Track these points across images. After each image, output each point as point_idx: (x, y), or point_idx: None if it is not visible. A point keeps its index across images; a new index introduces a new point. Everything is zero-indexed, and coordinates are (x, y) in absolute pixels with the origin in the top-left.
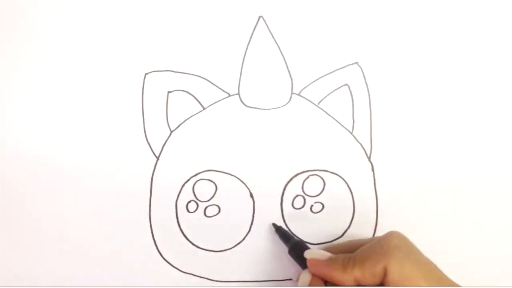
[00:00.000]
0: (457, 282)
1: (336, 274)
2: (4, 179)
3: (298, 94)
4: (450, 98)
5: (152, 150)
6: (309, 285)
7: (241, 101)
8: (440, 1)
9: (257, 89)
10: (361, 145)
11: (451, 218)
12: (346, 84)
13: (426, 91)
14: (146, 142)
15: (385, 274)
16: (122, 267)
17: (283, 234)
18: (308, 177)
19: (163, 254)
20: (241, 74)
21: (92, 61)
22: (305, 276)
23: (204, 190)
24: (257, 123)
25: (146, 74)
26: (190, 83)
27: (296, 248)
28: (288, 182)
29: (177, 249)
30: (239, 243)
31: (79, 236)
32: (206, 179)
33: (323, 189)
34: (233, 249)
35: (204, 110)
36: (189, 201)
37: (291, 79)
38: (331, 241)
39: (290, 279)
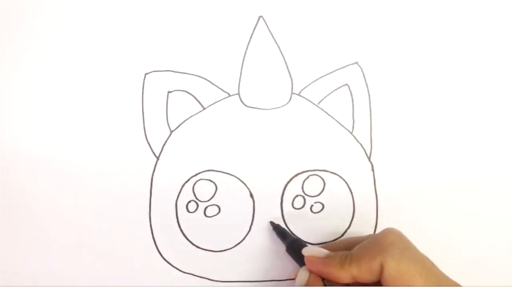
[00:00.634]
0: (457, 282)
1: (333, 271)
2: (4, 179)
3: (298, 94)
4: (450, 98)
5: (152, 150)
6: (307, 282)
7: (241, 101)
8: (440, 1)
9: (257, 89)
10: (361, 145)
11: (451, 218)
12: (346, 84)
13: (426, 91)
14: (146, 142)
15: (381, 270)
16: (122, 267)
17: (280, 232)
18: (308, 177)
19: (163, 254)
20: (241, 74)
21: (92, 61)
22: (303, 273)
23: (204, 190)
24: (257, 123)
25: (146, 74)
26: (190, 83)
27: (293, 245)
28: (288, 182)
29: (177, 249)
30: (239, 243)
31: (79, 236)
32: (206, 179)
33: (323, 189)
34: (233, 249)
35: (204, 110)
36: (189, 201)
37: (291, 79)
38: (331, 241)
39: (290, 279)
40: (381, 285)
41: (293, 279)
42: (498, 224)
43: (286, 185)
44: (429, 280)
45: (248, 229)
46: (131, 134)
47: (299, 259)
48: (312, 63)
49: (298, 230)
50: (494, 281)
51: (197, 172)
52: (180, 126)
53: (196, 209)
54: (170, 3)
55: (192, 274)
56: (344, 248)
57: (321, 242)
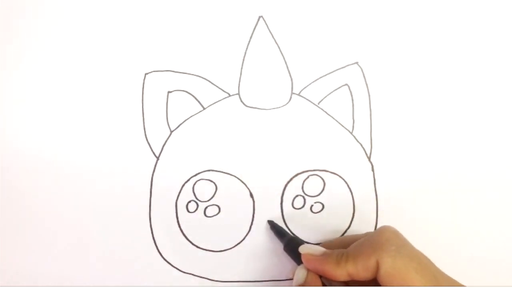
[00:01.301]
0: (454, 279)
1: (329, 268)
2: (4, 179)
3: (298, 94)
4: (450, 98)
5: (152, 150)
6: (305, 280)
7: (241, 101)
8: (440, 1)
9: (257, 89)
10: (361, 145)
11: (451, 218)
12: (346, 84)
13: (426, 91)
14: (146, 142)
15: (377, 268)
16: (122, 267)
17: (278, 230)
18: (308, 177)
19: (163, 254)
20: (241, 74)
21: (92, 61)
22: (301, 271)
23: (204, 190)
24: (257, 123)
25: (146, 74)
26: (190, 83)
27: (291, 244)
28: (288, 182)
29: (177, 249)
30: (239, 243)
31: (79, 236)
32: (206, 179)
33: (323, 189)
34: (233, 249)
35: (204, 110)
36: (189, 201)
37: (291, 79)
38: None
39: (290, 279)
40: (377, 282)
41: (293, 279)
42: (498, 224)
43: (286, 185)
44: (425, 276)
45: (248, 229)
46: (131, 134)
47: (297, 258)
48: (312, 63)
49: (298, 230)
50: (494, 281)
51: (197, 172)
52: (180, 126)
53: (196, 209)
54: (170, 3)
55: (192, 274)
56: (340, 246)
57: (321, 242)
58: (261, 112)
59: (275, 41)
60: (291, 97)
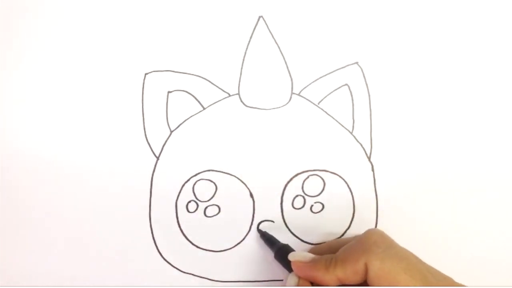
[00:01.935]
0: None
1: (319, 274)
2: (4, 179)
3: (298, 94)
4: (450, 98)
5: (152, 150)
6: (297, 286)
7: (241, 101)
8: (440, 1)
9: (257, 89)
10: (361, 145)
11: (451, 218)
12: (346, 84)
13: (426, 91)
14: (146, 142)
15: (366, 271)
16: (122, 267)
17: (268, 239)
18: (308, 177)
19: (163, 254)
20: (241, 74)
21: (92, 61)
22: (292, 278)
23: (204, 190)
24: (257, 123)
25: (146, 74)
26: (190, 83)
27: (281, 252)
28: (288, 182)
29: (177, 249)
30: (239, 243)
31: (79, 236)
32: (206, 179)
33: (323, 189)
34: (233, 249)
35: (204, 110)
36: (189, 201)
37: (291, 79)
38: (328, 242)
39: None
40: (367, 285)
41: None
42: (498, 224)
43: (286, 185)
44: (414, 276)
45: (248, 229)
46: (131, 134)
47: (287, 265)
48: (312, 63)
49: (298, 230)
50: (494, 281)
51: (197, 172)
52: (180, 126)
53: (196, 209)
54: (170, 3)
55: (192, 274)
56: (329, 251)
57: (321, 242)
58: (261, 112)
59: (275, 41)
60: (291, 97)
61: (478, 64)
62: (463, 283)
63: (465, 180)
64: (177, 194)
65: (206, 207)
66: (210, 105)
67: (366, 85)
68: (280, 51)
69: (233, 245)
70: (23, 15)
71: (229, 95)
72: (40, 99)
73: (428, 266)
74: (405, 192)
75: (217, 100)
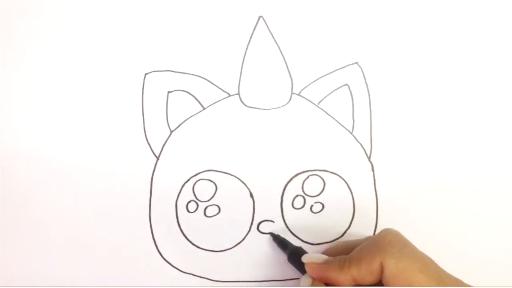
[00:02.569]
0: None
1: (333, 275)
2: (4, 179)
3: (298, 94)
4: (450, 98)
5: (152, 150)
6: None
7: (241, 101)
8: (440, 1)
9: (257, 89)
10: (361, 145)
11: (451, 218)
12: (346, 84)
13: (426, 91)
14: (146, 142)
15: (381, 270)
16: (122, 267)
17: (281, 242)
18: (308, 177)
19: (163, 254)
20: (241, 74)
21: (92, 61)
22: (306, 280)
23: (204, 190)
24: (257, 123)
25: (146, 74)
26: (190, 83)
27: (294, 254)
28: (288, 182)
29: (177, 249)
30: (239, 243)
31: (79, 236)
32: (206, 179)
33: (323, 189)
34: (233, 249)
35: (204, 110)
36: (189, 201)
37: (291, 79)
38: (331, 241)
39: (290, 279)
40: (382, 285)
41: (293, 279)
42: (498, 224)
43: (286, 185)
44: (430, 276)
45: (248, 229)
46: (131, 134)
47: (301, 267)
48: (312, 63)
49: (298, 230)
50: (494, 280)
51: (197, 172)
52: (180, 126)
53: (196, 209)
54: (170, 3)
55: (192, 274)
56: (342, 252)
57: (321, 242)
58: (261, 112)
59: (275, 41)
60: (291, 97)
61: (478, 64)
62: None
63: (465, 180)
64: (177, 194)
65: (206, 207)
66: (210, 105)
67: (366, 85)
68: (280, 51)
69: (233, 245)
70: (23, 15)
71: (229, 95)
72: (40, 99)
73: (441, 267)
74: (405, 192)
75: (217, 100)
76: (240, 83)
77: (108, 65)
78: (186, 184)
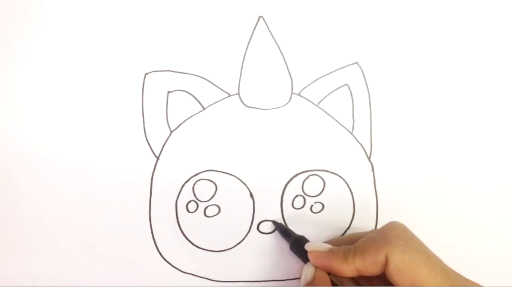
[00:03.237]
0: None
1: (337, 264)
2: (4, 179)
3: (298, 94)
4: (450, 98)
5: (152, 150)
6: (313, 277)
7: (241, 101)
8: (440, 1)
9: (257, 89)
10: (361, 145)
11: (451, 218)
12: (346, 84)
13: (426, 91)
14: (146, 142)
15: (386, 262)
16: (122, 267)
17: (284, 230)
18: (308, 177)
19: (163, 254)
20: (241, 74)
21: (92, 61)
22: (309, 268)
23: (204, 190)
24: (257, 123)
25: (146, 74)
26: (190, 83)
27: (297, 243)
28: (288, 182)
29: (177, 249)
30: (239, 243)
31: (79, 236)
32: (206, 179)
33: (323, 189)
34: (233, 249)
35: (204, 110)
36: (189, 201)
37: (291, 79)
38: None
39: (291, 279)
40: (384, 278)
41: (294, 278)
42: (498, 223)
43: (286, 185)
44: (435, 271)
45: (248, 229)
46: (131, 134)
47: (304, 256)
48: (312, 63)
49: (298, 230)
50: (494, 280)
51: (197, 172)
52: (180, 126)
53: (196, 209)
54: (170, 3)
55: (192, 274)
56: (346, 243)
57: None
58: (261, 112)
59: (275, 41)
60: (291, 97)
61: (478, 64)
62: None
63: (465, 180)
64: (177, 194)
65: (206, 207)
66: (210, 105)
67: (366, 85)
68: (280, 51)
69: (233, 245)
70: (23, 15)
71: (229, 95)
72: (40, 99)
73: (445, 264)
74: (405, 192)
75: (217, 100)
76: (240, 83)
77: (108, 65)
78: (186, 184)
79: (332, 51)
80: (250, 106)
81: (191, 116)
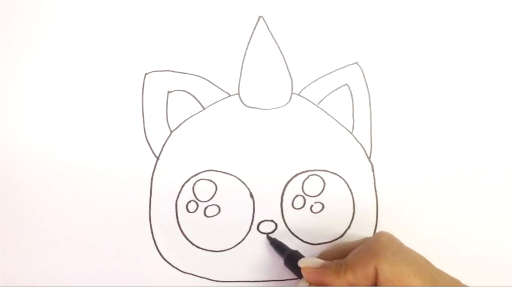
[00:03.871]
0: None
1: (330, 280)
2: (4, 179)
3: (298, 94)
4: (450, 98)
5: (152, 150)
6: None
7: (241, 101)
8: (440, 1)
9: (257, 89)
10: (361, 145)
11: (451, 218)
12: (346, 84)
13: (426, 91)
14: (146, 142)
15: (376, 275)
16: (122, 267)
17: (278, 245)
18: (308, 177)
19: (163, 254)
20: (241, 74)
21: (92, 61)
22: (303, 285)
23: (204, 190)
24: (257, 123)
25: (146, 74)
26: (190, 83)
27: (291, 258)
28: (288, 182)
29: (177, 249)
30: (239, 243)
31: (79, 236)
32: (206, 179)
33: (323, 189)
34: (233, 249)
35: (204, 110)
36: (189, 201)
37: (291, 79)
38: (331, 241)
39: (290, 279)
40: None
41: (293, 279)
42: (498, 224)
43: (286, 185)
44: (424, 279)
45: (248, 229)
46: (131, 134)
47: (298, 271)
48: (312, 63)
49: (298, 230)
50: (495, 280)
51: (197, 172)
52: (180, 126)
53: (196, 209)
54: (170, 3)
55: (192, 274)
56: (339, 255)
57: (321, 242)
58: (261, 112)
59: (275, 41)
60: (291, 97)
61: (478, 64)
62: (463, 283)
63: (465, 180)
64: (177, 194)
65: (206, 207)
66: (210, 105)
67: (366, 85)
68: (280, 51)
69: (233, 245)
70: (23, 15)
71: (229, 95)
72: (40, 99)
73: (436, 268)
74: (405, 192)
75: (217, 100)
76: (240, 83)
77: (108, 65)
78: (186, 184)
79: (332, 51)
80: (250, 106)
81: (191, 116)
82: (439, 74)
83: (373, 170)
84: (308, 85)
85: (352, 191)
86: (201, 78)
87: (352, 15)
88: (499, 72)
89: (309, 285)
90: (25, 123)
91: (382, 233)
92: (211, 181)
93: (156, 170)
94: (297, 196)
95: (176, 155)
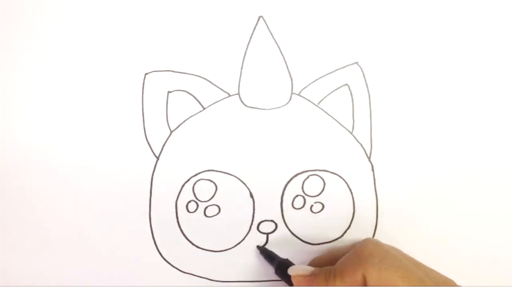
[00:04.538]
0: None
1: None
2: (4, 179)
3: (298, 94)
4: (450, 98)
5: (152, 150)
6: None
7: (241, 101)
8: (440, 1)
9: (257, 89)
10: (361, 145)
11: (451, 218)
12: (346, 84)
13: (426, 91)
14: (146, 142)
15: (364, 281)
16: (122, 267)
17: (267, 255)
18: (308, 177)
19: (163, 254)
20: (241, 74)
21: (92, 61)
22: None
23: (204, 190)
24: (257, 123)
25: (146, 74)
26: (190, 83)
27: (281, 267)
28: (288, 182)
29: (177, 249)
30: (239, 243)
31: (79, 236)
32: (206, 179)
33: (323, 189)
34: (233, 249)
35: (204, 110)
36: (189, 201)
37: (291, 79)
38: (331, 241)
39: None
40: None
41: None
42: (498, 224)
43: (286, 185)
44: (412, 283)
45: (248, 229)
46: (131, 134)
47: (288, 280)
48: (312, 63)
49: (298, 230)
50: (494, 280)
51: (197, 172)
52: (180, 126)
53: (196, 209)
54: (170, 3)
55: (192, 274)
56: (329, 262)
57: (321, 242)
58: (261, 112)
59: (275, 41)
60: (291, 97)
61: (478, 64)
62: (463, 284)
63: (465, 180)
64: (177, 194)
65: (206, 207)
66: (210, 105)
67: (366, 85)
68: (280, 51)
69: (233, 245)
70: (23, 15)
71: (229, 95)
72: (40, 99)
73: (427, 269)
74: (405, 192)
75: (217, 100)
76: (240, 83)
77: (108, 65)
78: (186, 184)
79: (332, 51)
80: (250, 106)
81: (191, 116)
82: (439, 74)
83: (373, 170)
84: (308, 85)
85: (352, 191)
86: (201, 78)
87: (352, 15)
88: (499, 72)
89: None
90: (25, 123)
91: (368, 240)
92: (211, 181)
93: (156, 170)
94: (297, 196)
95: (176, 155)
